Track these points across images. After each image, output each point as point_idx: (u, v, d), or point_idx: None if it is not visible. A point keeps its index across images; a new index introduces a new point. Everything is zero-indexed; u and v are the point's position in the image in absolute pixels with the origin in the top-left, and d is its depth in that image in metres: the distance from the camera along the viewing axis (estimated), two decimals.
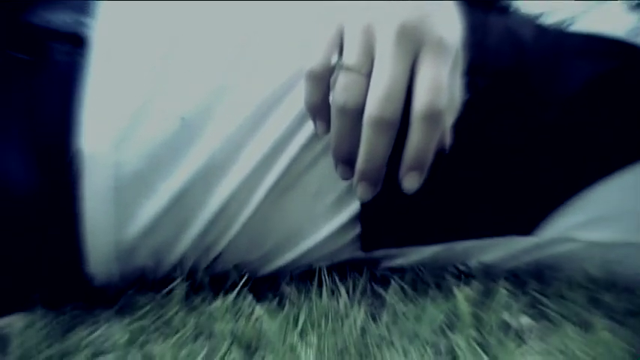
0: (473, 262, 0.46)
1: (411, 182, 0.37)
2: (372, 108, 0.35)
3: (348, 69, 0.36)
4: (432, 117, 0.35)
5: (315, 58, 0.37)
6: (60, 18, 0.41)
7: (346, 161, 0.38)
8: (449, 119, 0.38)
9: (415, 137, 0.36)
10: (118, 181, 0.39)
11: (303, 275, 0.44)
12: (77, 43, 0.40)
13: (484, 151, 0.43)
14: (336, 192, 0.42)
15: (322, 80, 0.37)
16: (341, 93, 0.36)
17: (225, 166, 0.40)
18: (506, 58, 0.44)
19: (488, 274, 0.45)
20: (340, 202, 0.43)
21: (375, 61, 0.36)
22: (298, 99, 0.40)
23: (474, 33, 0.41)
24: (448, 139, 0.38)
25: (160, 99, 0.40)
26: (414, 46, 0.36)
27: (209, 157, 0.40)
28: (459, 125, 0.39)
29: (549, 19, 0.48)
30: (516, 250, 0.45)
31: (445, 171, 0.40)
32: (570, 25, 0.47)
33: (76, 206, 0.39)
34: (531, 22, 0.47)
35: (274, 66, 0.41)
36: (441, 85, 0.35)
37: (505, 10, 0.48)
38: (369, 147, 0.36)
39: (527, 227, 0.44)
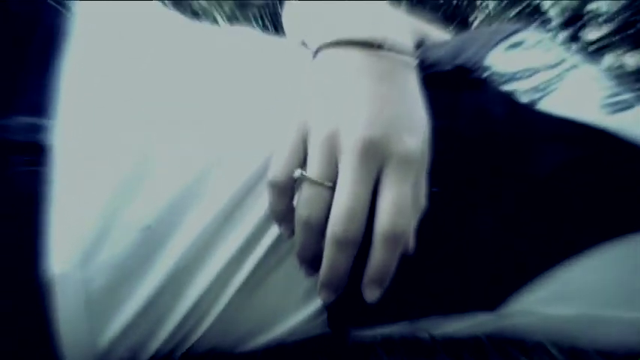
0: (437, 332, 0.47)
1: (372, 294, 0.38)
2: (334, 226, 0.35)
3: (311, 182, 0.36)
4: (394, 238, 0.36)
5: (277, 167, 0.37)
6: (17, 124, 0.40)
7: (310, 264, 0.39)
8: (412, 223, 0.38)
9: (376, 256, 0.36)
10: (88, 296, 0.39)
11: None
12: (37, 152, 0.39)
13: (451, 236, 0.44)
14: (303, 286, 0.43)
15: (285, 191, 0.37)
16: (304, 206, 0.36)
17: (194, 269, 0.41)
18: (475, 141, 0.44)
19: (452, 349, 0.46)
20: (308, 295, 0.44)
21: (339, 175, 0.36)
22: (263, 200, 0.40)
23: (443, 118, 0.41)
24: (412, 244, 0.38)
25: (126, 209, 0.39)
26: (377, 162, 0.36)
27: (177, 263, 0.40)
28: (424, 216, 0.39)
29: (524, 85, 0.47)
30: (479, 322, 0.46)
31: (410, 261, 0.41)
32: (546, 94, 0.46)
33: (50, 323, 0.39)
34: (504, 99, 0.46)
35: (237, 168, 0.41)
36: (403, 206, 0.36)
37: (478, 84, 0.46)
38: (331, 261, 0.37)
39: (492, 304, 0.46)
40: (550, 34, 0.59)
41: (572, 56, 0.52)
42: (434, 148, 0.39)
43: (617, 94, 0.46)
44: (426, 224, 0.39)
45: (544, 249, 0.44)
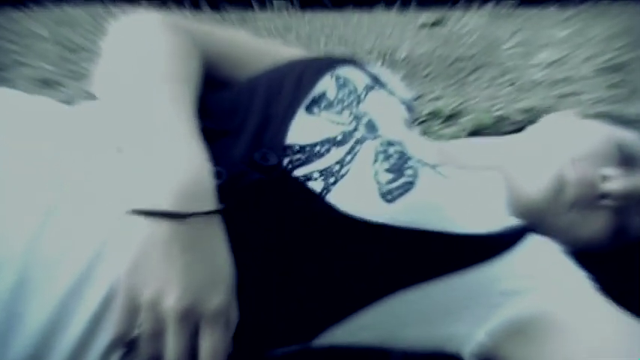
0: None
1: None
2: None
3: (145, 340, 0.47)
4: None
5: (115, 327, 0.46)
6: None
7: None
8: (227, 349, 0.49)
9: None
10: None
11: None
12: None
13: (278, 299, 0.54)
14: None
15: (124, 343, 0.47)
16: (144, 348, 0.47)
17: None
18: (276, 237, 0.53)
19: None
20: None
21: (166, 332, 0.46)
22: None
23: (243, 248, 0.50)
24: (230, 347, 0.49)
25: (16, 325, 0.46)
26: (192, 322, 0.47)
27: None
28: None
29: (320, 165, 0.56)
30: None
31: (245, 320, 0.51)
32: (337, 180, 0.55)
33: None
34: (300, 192, 0.54)
35: (89, 297, 0.48)
36: (217, 349, 0.47)
37: (277, 183, 0.54)
38: None
39: (308, 339, 0.57)
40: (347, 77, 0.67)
41: (362, 117, 0.62)
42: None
43: (394, 180, 0.56)
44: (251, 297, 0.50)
45: (348, 300, 0.56)
